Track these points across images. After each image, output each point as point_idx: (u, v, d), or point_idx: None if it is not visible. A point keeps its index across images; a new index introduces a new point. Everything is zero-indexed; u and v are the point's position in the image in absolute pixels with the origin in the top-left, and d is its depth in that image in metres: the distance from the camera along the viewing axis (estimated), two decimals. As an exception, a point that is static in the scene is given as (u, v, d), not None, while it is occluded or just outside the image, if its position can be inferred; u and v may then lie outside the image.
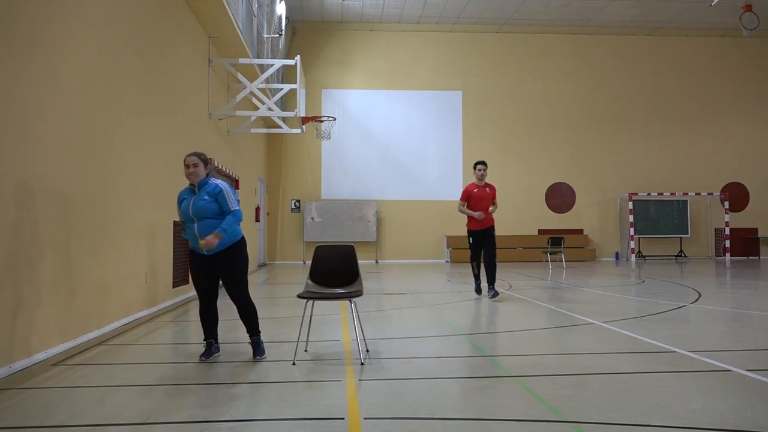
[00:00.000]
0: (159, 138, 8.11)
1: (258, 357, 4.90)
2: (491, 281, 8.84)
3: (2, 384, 4.15)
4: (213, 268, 4.92)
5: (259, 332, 5.03)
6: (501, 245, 21.92)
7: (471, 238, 9.00)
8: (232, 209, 4.85)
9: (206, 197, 4.84)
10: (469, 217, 8.96)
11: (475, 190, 8.99)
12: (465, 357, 5.19)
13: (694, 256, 21.40)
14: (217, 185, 4.91)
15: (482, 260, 9.00)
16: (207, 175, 4.98)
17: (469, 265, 9.38)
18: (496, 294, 8.73)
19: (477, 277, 9.21)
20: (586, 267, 17.20)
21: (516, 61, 21.38)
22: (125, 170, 6.83)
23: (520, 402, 3.67)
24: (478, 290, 9.22)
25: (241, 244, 4.99)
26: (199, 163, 4.91)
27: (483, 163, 9.14)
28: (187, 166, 4.89)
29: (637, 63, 21.67)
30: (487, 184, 9.08)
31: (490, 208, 8.98)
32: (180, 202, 4.97)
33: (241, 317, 5.02)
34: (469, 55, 21.26)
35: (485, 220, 8.87)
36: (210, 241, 4.68)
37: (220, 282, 5.01)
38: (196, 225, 4.83)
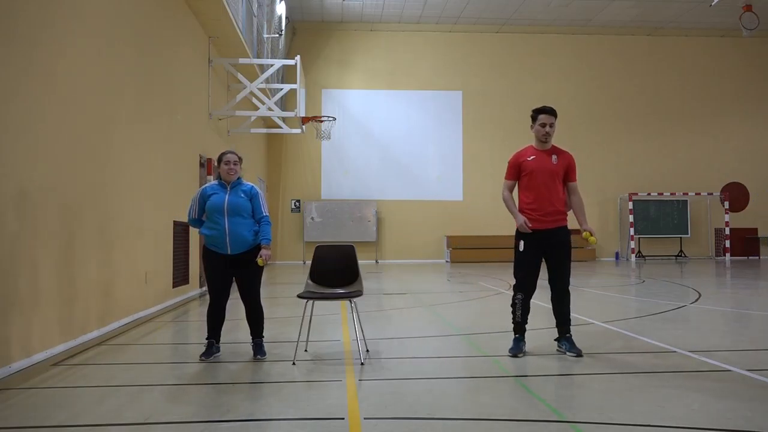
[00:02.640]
0: (159, 138, 8.11)
1: (259, 357, 4.91)
2: (564, 326, 4.98)
3: (2, 384, 4.15)
4: (231, 268, 4.95)
5: (263, 335, 5.06)
6: (501, 245, 21.96)
7: (522, 243, 5.01)
8: (264, 214, 4.99)
9: (242, 195, 4.94)
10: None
11: (531, 158, 5.03)
12: (465, 357, 5.19)
13: (694, 256, 21.39)
14: (253, 187, 5.06)
15: (550, 289, 5.01)
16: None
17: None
18: (575, 349, 4.85)
19: (519, 325, 5.01)
20: (586, 267, 17.20)
21: (516, 61, 21.38)
22: (125, 170, 6.83)
23: (520, 402, 3.67)
24: (517, 349, 4.94)
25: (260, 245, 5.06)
26: (238, 161, 5.06)
27: (547, 110, 5.08)
28: (227, 162, 4.99)
29: (637, 63, 21.67)
30: (556, 150, 5.11)
31: (572, 201, 5.08)
32: (208, 196, 4.97)
33: (248, 319, 5.04)
34: (469, 55, 21.25)
35: (552, 213, 4.94)
36: (268, 255, 4.86)
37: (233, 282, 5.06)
38: (226, 220, 4.85)
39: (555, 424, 3.24)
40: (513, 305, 5.05)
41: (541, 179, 4.96)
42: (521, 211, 5.02)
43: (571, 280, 5.05)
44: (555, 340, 5.06)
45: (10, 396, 3.91)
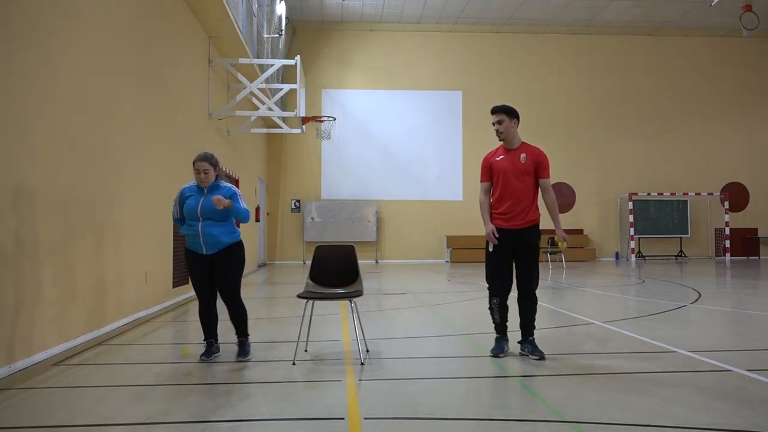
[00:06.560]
0: (159, 138, 8.11)
1: (241, 358, 4.88)
2: (526, 330, 4.94)
3: (2, 384, 4.15)
4: (211, 267, 4.93)
5: (248, 334, 5.04)
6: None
7: (490, 244, 4.96)
8: (244, 206, 4.89)
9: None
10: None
11: (500, 158, 5.00)
12: (465, 357, 5.18)
13: (694, 256, 21.39)
14: (230, 188, 4.95)
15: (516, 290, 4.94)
16: (217, 177, 5.00)
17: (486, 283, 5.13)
18: (538, 352, 4.80)
19: (499, 326, 5.01)
20: (586, 267, 17.20)
21: (516, 61, 21.37)
22: (125, 170, 6.83)
23: (520, 402, 3.67)
24: (498, 349, 4.94)
25: (240, 245, 5.03)
26: (210, 168, 4.92)
27: (493, 110, 5.04)
28: (197, 171, 4.90)
29: (638, 63, 21.66)
30: (526, 147, 4.99)
31: (544, 200, 4.97)
32: (185, 198, 4.96)
33: (231, 318, 5.03)
34: (469, 55, 21.25)
35: (520, 213, 4.87)
36: (222, 201, 4.64)
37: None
38: (200, 224, 4.83)
39: (555, 424, 3.24)
40: (490, 309, 5.04)
41: (511, 179, 4.90)
42: (492, 214, 5.02)
43: (541, 283, 5.07)
44: (518, 342, 5.00)
45: (10, 396, 3.91)
